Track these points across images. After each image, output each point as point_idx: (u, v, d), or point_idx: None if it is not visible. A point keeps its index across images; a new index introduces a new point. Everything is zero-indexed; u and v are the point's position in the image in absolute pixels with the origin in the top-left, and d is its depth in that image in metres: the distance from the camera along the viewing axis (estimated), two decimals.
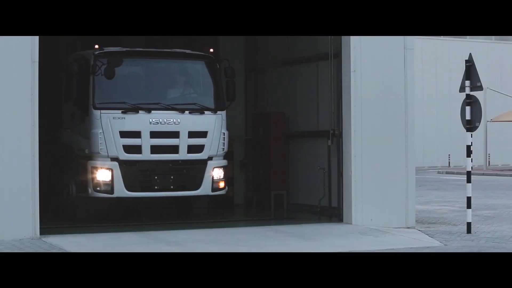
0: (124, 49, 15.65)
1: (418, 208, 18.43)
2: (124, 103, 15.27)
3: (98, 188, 15.10)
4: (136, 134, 15.20)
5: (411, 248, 13.24)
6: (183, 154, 15.46)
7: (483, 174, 37.76)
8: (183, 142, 15.43)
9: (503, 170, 41.12)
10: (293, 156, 18.11)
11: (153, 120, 15.26)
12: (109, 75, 15.04)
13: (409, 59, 16.04)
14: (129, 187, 15.14)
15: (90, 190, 15.14)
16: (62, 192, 16.21)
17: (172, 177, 15.43)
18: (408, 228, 15.70)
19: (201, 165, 15.58)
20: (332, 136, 16.28)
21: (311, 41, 16.97)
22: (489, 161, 42.46)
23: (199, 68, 16.24)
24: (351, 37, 15.49)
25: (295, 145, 18.10)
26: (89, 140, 15.16)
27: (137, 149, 15.22)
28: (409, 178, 15.99)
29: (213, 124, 15.67)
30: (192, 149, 15.49)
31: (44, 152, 17.03)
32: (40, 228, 13.52)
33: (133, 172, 15.23)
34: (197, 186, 15.55)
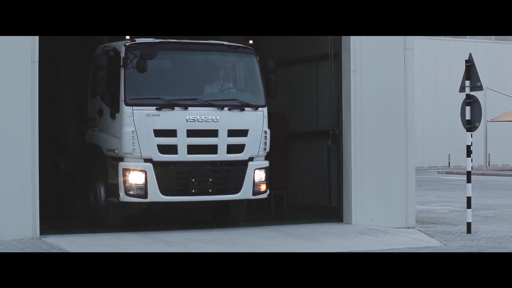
0: (158, 40, 14.35)
1: (418, 208, 18.45)
2: (158, 98, 14.10)
3: (130, 192, 13.94)
4: (172, 133, 14.08)
5: (411, 248, 13.24)
6: (222, 155, 14.36)
7: (483, 174, 37.77)
8: (222, 141, 14.34)
9: (503, 170, 41.12)
10: (293, 156, 18.10)
11: (190, 117, 14.11)
12: (142, 68, 13.91)
13: (409, 59, 16.05)
14: (164, 191, 14.02)
15: (121, 194, 13.96)
16: (89, 196, 15.10)
17: (210, 179, 14.31)
18: (408, 228, 15.71)
19: (241, 166, 14.52)
20: (332, 136, 16.28)
21: (311, 41, 16.97)
22: (489, 161, 42.47)
23: (238, 61, 15.08)
24: (351, 37, 15.49)
25: (295, 145, 18.09)
26: (120, 140, 14.03)
27: (172, 149, 14.10)
28: (409, 178, 16.00)
29: (254, 121, 14.63)
30: (231, 149, 14.42)
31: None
32: (40, 228, 13.52)
33: (168, 175, 14.10)
34: (237, 190, 14.49)
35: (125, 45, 14.06)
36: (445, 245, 13.64)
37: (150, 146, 13.93)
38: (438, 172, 40.70)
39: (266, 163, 14.86)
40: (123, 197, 13.97)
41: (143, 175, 13.90)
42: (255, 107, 14.65)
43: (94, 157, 15.00)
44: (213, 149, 14.30)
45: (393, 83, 15.94)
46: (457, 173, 38.73)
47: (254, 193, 14.67)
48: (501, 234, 15.00)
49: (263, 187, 14.83)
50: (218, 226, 15.31)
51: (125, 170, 13.95)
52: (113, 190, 14.20)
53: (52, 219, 15.30)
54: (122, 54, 14.04)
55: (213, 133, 14.27)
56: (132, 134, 13.86)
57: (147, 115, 13.94)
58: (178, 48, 14.64)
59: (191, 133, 14.11)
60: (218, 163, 14.37)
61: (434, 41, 44.55)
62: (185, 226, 15.15)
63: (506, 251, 12.89)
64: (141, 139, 13.89)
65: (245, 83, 15.20)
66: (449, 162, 45.27)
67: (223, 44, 14.85)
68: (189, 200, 14.35)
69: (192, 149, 14.15)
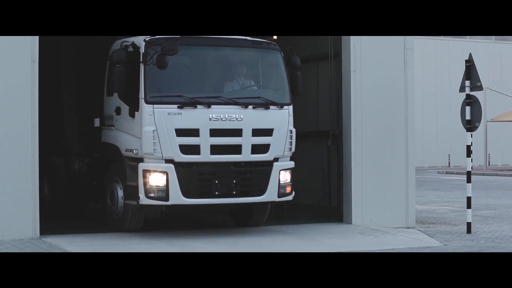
0: (178, 36, 13.49)
1: (418, 208, 18.45)
2: (180, 96, 13.40)
3: (151, 195, 13.25)
4: (194, 132, 13.39)
5: (411, 248, 13.24)
6: (246, 155, 13.68)
7: (483, 174, 37.77)
8: (247, 141, 13.66)
9: (503, 170, 41.12)
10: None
11: (213, 116, 13.41)
12: (163, 64, 13.17)
13: (409, 59, 16.05)
14: (186, 193, 13.31)
15: (141, 197, 13.26)
16: (105, 198, 14.51)
17: (234, 181, 13.61)
18: (408, 228, 15.71)
19: (266, 167, 13.85)
20: (332, 136, 16.28)
21: (311, 41, 16.96)
22: (489, 161, 42.47)
23: (263, 57, 14.38)
24: (351, 37, 15.50)
25: (295, 145, 18.04)
26: (140, 140, 13.37)
27: (195, 149, 13.39)
28: (409, 178, 16.00)
29: (279, 120, 13.98)
30: (256, 149, 13.74)
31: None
32: (40, 228, 13.52)
33: (191, 176, 13.40)
34: (261, 192, 13.82)
35: (145, 40, 13.43)
36: (445, 245, 13.64)
37: (172, 146, 13.29)
38: (438, 172, 40.70)
39: (291, 164, 14.31)
40: (143, 200, 13.30)
41: (164, 176, 13.25)
42: (280, 106, 14.03)
43: (111, 158, 14.40)
44: (237, 149, 13.65)
45: (393, 83, 15.95)
46: (457, 173, 38.73)
47: (280, 195, 14.08)
48: (501, 234, 15.00)
49: (288, 189, 14.25)
50: (218, 226, 15.30)
51: (145, 171, 13.30)
52: (132, 192, 13.59)
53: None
54: (142, 50, 13.39)
55: (237, 132, 13.64)
56: (153, 133, 13.23)
57: (168, 113, 13.29)
58: (200, 43, 13.85)
59: (214, 132, 13.48)
60: (242, 163, 13.73)
61: (434, 41, 44.55)
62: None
63: (506, 251, 12.89)
64: (162, 139, 13.25)
65: (270, 80, 14.56)
66: (449, 162, 45.27)
67: (246, 40, 14.11)
68: (212, 202, 13.65)
69: (215, 149, 13.51)
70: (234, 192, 13.63)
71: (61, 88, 17.63)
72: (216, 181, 13.50)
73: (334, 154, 16.37)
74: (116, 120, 14.13)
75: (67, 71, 17.33)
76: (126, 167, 13.75)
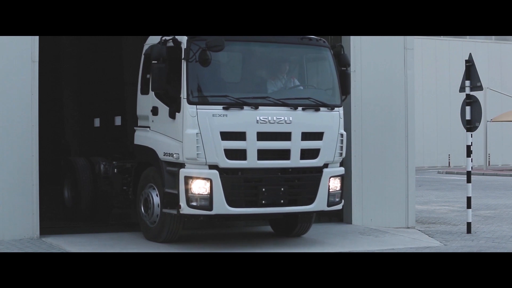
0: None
1: (418, 208, 18.45)
2: (226, 96, 12.39)
3: (193, 203, 12.16)
4: (241, 136, 12.37)
5: (411, 248, 13.24)
6: (295, 161, 12.66)
7: (483, 174, 37.76)
8: (296, 145, 12.65)
9: (503, 170, 41.12)
10: None
11: (261, 118, 12.42)
12: (207, 62, 12.18)
13: (409, 59, 16.06)
14: (231, 202, 12.26)
15: (182, 205, 12.18)
16: (138, 206, 13.51)
17: (282, 189, 12.56)
18: (408, 228, 15.72)
19: (316, 174, 12.87)
20: None
21: None
22: (489, 161, 42.47)
23: (311, 55, 13.50)
24: (351, 37, 15.50)
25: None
26: (181, 143, 12.32)
27: (241, 154, 12.36)
28: (409, 178, 16.01)
29: (330, 123, 13.03)
30: (305, 154, 12.75)
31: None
32: (40, 228, 13.53)
33: (236, 183, 12.37)
34: (310, 200, 12.81)
35: (188, 36, 12.43)
36: (445, 245, 13.65)
37: (217, 151, 12.22)
38: (438, 172, 40.70)
39: (341, 170, 13.34)
40: (185, 209, 12.21)
41: (208, 183, 12.17)
42: (331, 107, 13.09)
43: (145, 161, 13.37)
44: (285, 154, 12.64)
45: (393, 83, 15.95)
46: (457, 173, 38.73)
47: (329, 204, 13.04)
48: (501, 234, 15.00)
49: (338, 197, 13.27)
50: (218, 226, 15.30)
51: (188, 178, 12.19)
52: (170, 200, 12.53)
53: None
54: (184, 46, 12.34)
55: (286, 136, 12.63)
56: (196, 137, 12.16)
57: (213, 115, 12.24)
58: (246, 40, 12.81)
59: (261, 136, 12.45)
60: (290, 170, 12.72)
61: (434, 41, 44.53)
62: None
63: (506, 251, 12.89)
64: (206, 143, 12.18)
65: (319, 80, 13.66)
66: (449, 162, 45.26)
67: (294, 37, 13.09)
68: (258, 212, 12.63)
69: (262, 154, 12.47)
70: (282, 201, 12.57)
71: (61, 88, 17.65)
72: (263, 189, 12.45)
73: None
74: (153, 121, 13.07)
75: (67, 71, 17.35)
76: (164, 172, 12.65)
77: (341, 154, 13.23)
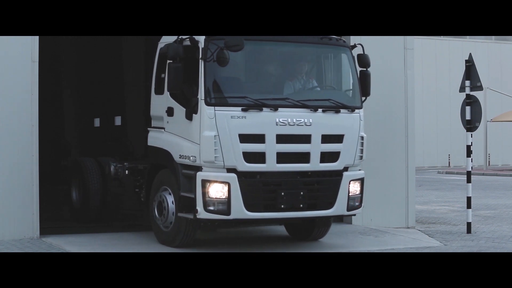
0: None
1: (418, 208, 18.45)
2: (244, 97, 12.02)
3: (210, 208, 11.83)
4: (260, 138, 12.05)
5: (411, 248, 13.25)
6: (315, 164, 12.35)
7: (483, 174, 37.77)
8: (315, 148, 12.34)
9: (503, 170, 41.12)
10: None
11: (280, 120, 12.12)
12: (225, 61, 11.81)
13: (409, 59, 16.06)
14: (249, 206, 11.93)
15: (199, 210, 11.84)
16: (151, 209, 13.11)
17: (301, 193, 12.27)
18: (408, 228, 15.72)
19: (336, 177, 12.57)
20: None
21: None
22: (489, 161, 42.47)
23: (331, 55, 13.25)
24: (351, 37, 15.48)
25: None
26: (199, 146, 11.97)
27: (260, 157, 12.04)
28: (409, 178, 16.01)
29: (350, 125, 12.70)
30: (325, 157, 12.44)
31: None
32: (40, 228, 13.53)
33: (255, 187, 12.02)
34: (330, 205, 12.51)
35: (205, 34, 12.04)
36: (445, 245, 13.65)
37: (235, 154, 11.90)
38: (438, 172, 40.71)
39: (362, 174, 13.02)
40: (202, 214, 11.87)
41: (226, 187, 11.83)
42: (351, 109, 12.77)
43: (160, 164, 13.00)
44: (304, 157, 12.31)
45: (393, 83, 15.95)
46: (457, 173, 38.73)
47: (349, 208, 12.74)
48: (501, 234, 15.01)
49: (358, 201, 12.93)
50: (218, 226, 15.27)
51: (205, 181, 11.85)
52: (186, 204, 12.18)
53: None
54: (202, 45, 11.98)
55: (306, 138, 12.31)
56: (214, 139, 11.82)
57: (231, 117, 11.91)
58: (264, 40, 12.45)
59: (281, 138, 12.14)
60: (309, 173, 12.42)
61: (434, 41, 44.53)
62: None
63: (506, 251, 12.90)
64: (224, 146, 11.84)
65: (339, 81, 13.38)
66: (449, 162, 45.26)
67: (313, 36, 12.75)
68: (277, 217, 12.38)
69: (281, 158, 12.15)
70: (302, 205, 12.29)
71: (61, 88, 17.66)
72: (282, 193, 12.15)
73: None
74: (168, 122, 12.68)
75: (67, 71, 17.36)
76: (180, 175, 12.30)
77: (361, 157, 12.92)
